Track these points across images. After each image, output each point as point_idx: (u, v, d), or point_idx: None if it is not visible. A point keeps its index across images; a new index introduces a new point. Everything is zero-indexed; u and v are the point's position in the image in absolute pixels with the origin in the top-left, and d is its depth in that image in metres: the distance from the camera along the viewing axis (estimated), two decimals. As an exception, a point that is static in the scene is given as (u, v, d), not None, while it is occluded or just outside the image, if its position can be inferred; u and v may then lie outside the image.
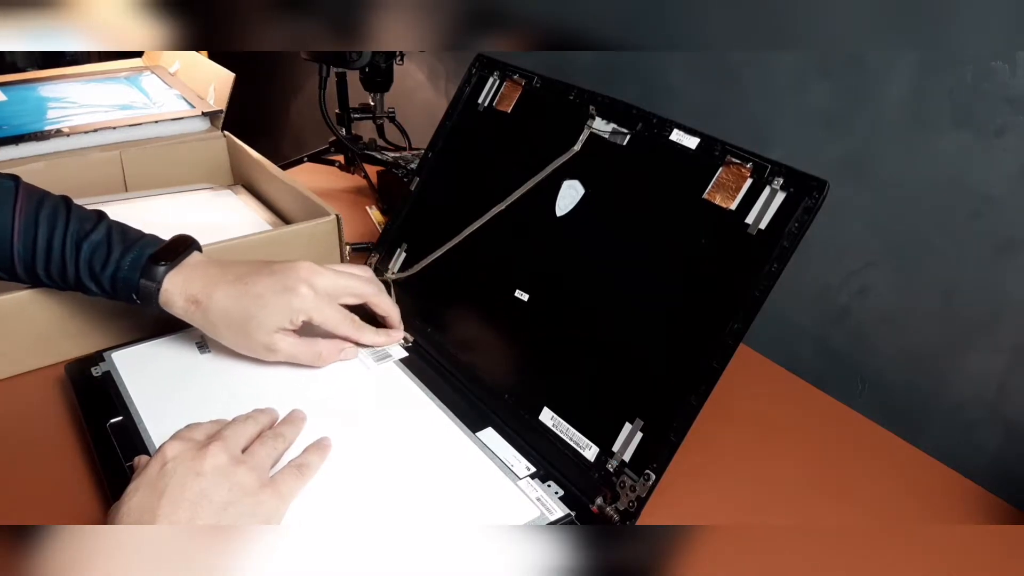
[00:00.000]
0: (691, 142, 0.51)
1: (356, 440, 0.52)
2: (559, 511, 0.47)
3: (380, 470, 0.50)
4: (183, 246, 0.57)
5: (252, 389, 0.56)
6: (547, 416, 0.53)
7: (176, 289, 0.55)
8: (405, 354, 0.61)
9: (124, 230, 0.57)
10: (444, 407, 0.55)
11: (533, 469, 0.50)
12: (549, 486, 0.49)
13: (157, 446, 0.50)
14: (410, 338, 0.63)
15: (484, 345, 0.60)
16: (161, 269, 0.55)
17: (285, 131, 1.77)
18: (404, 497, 0.47)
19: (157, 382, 0.57)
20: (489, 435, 0.53)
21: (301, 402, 0.54)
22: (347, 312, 0.59)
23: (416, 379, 0.58)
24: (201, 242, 0.67)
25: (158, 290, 0.55)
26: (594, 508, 0.48)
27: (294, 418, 0.52)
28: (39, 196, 0.56)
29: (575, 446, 0.51)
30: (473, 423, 0.54)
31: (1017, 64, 0.53)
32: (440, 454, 0.51)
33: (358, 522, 0.45)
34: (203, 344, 0.61)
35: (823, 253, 0.68)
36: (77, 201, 0.59)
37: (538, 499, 0.48)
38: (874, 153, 0.63)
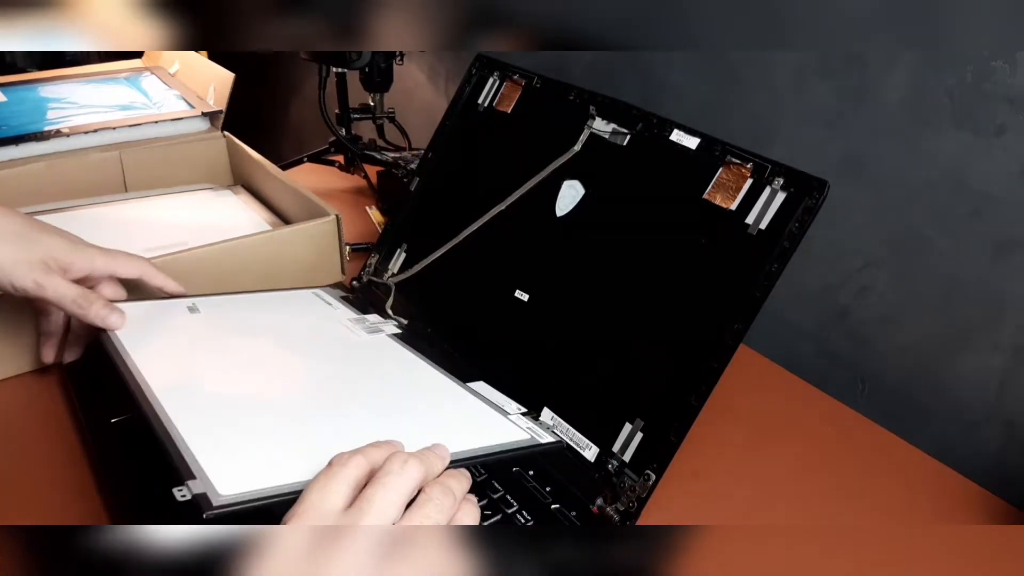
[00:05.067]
0: (691, 142, 0.51)
1: (347, 386, 0.52)
2: (549, 437, 0.50)
3: (372, 410, 0.49)
4: None
5: (245, 347, 0.55)
6: (547, 416, 0.53)
7: None
8: (398, 331, 0.63)
9: None
10: (434, 363, 0.57)
11: (524, 409, 0.53)
12: (540, 423, 0.52)
13: (160, 399, 0.45)
14: (404, 321, 0.64)
15: (484, 345, 0.60)
16: None
17: (285, 131, 1.77)
18: (397, 435, 0.46)
19: (151, 337, 0.55)
20: (480, 385, 0.55)
21: (294, 359, 0.55)
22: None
23: (406, 345, 0.60)
24: (201, 242, 0.67)
25: None
26: (594, 508, 0.48)
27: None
28: None
29: (575, 446, 0.51)
30: (464, 377, 0.56)
31: (1017, 64, 0.53)
32: (432, 397, 0.53)
33: None
34: (194, 308, 0.60)
35: (823, 253, 0.68)
36: (77, 201, 0.59)
37: (528, 427, 0.50)
38: (874, 153, 0.63)
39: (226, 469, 0.37)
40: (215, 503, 0.35)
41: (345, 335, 0.60)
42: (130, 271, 0.58)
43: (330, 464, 0.36)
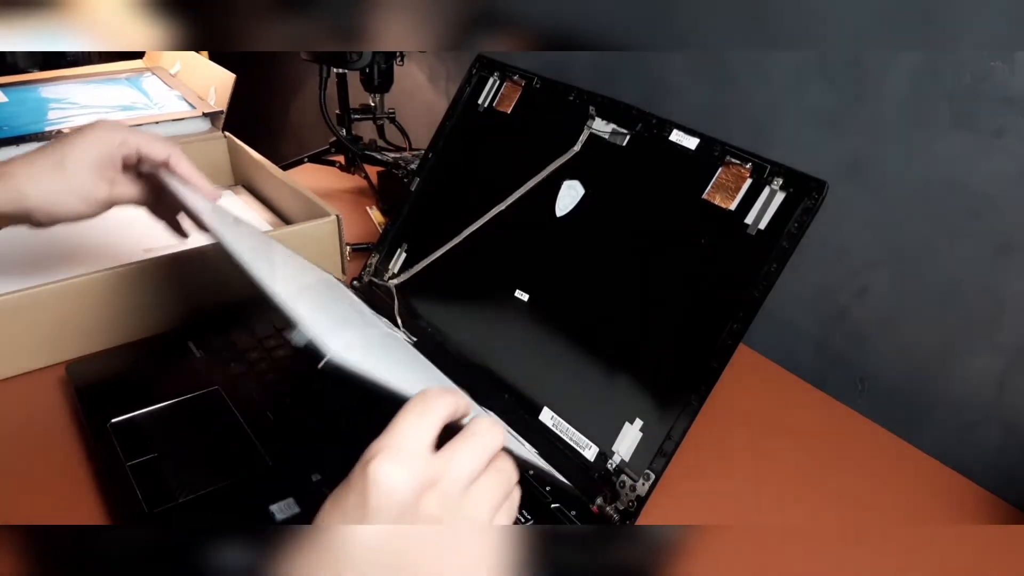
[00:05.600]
0: (691, 142, 0.51)
1: (391, 344, 0.51)
2: (565, 480, 0.48)
3: (422, 371, 0.48)
4: None
5: (294, 267, 0.52)
6: (547, 416, 0.53)
7: None
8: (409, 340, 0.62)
9: None
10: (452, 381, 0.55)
11: (536, 451, 0.51)
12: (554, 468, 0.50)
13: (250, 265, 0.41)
14: (414, 338, 0.63)
15: (484, 345, 0.60)
16: None
17: (285, 132, 1.78)
18: None
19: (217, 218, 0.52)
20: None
21: (338, 301, 0.52)
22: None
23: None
24: (201, 242, 0.67)
25: None
26: (594, 508, 0.48)
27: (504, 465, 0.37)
28: None
29: (575, 446, 0.51)
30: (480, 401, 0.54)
31: (1016, 64, 0.53)
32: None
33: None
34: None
35: (823, 253, 0.68)
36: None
37: (547, 465, 0.48)
38: (874, 153, 0.63)
39: (329, 338, 0.35)
40: (329, 356, 0.33)
41: (371, 317, 0.59)
42: (158, 151, 0.58)
43: (424, 396, 0.35)
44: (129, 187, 0.56)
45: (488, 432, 0.35)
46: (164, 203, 0.61)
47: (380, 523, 0.31)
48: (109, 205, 0.56)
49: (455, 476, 0.33)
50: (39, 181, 0.53)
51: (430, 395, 0.34)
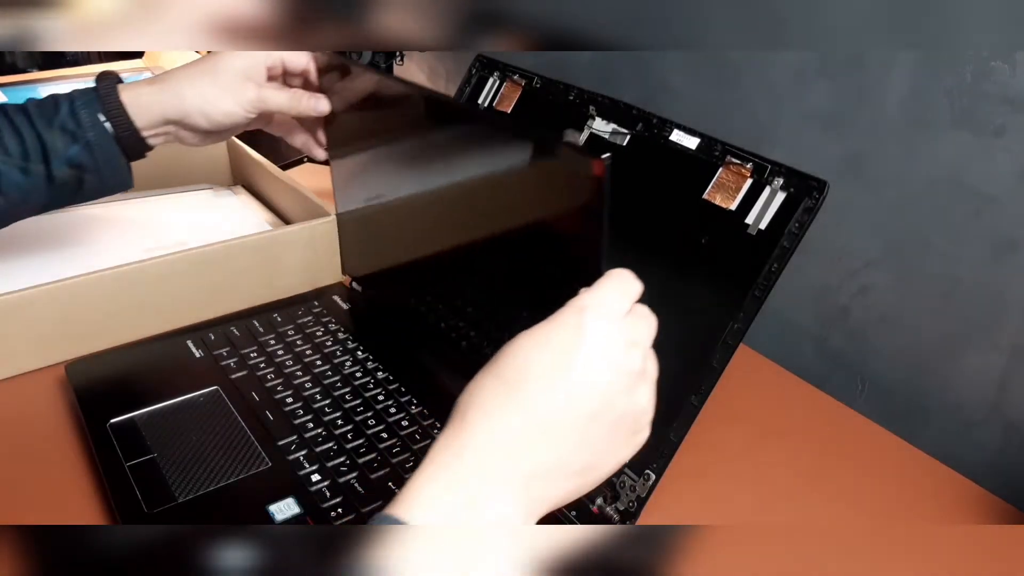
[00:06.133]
0: (691, 142, 0.51)
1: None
2: None
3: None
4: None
5: None
6: (547, 416, 0.53)
7: (127, 87, 0.58)
8: None
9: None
10: None
11: None
12: None
13: None
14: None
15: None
16: (109, 82, 0.58)
17: (285, 131, 1.77)
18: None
19: None
20: None
21: None
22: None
23: None
24: (201, 242, 0.67)
25: (116, 86, 0.58)
26: (594, 508, 0.48)
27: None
28: None
29: (575, 446, 0.51)
30: None
31: (1017, 64, 0.53)
32: None
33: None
34: None
35: (823, 253, 0.68)
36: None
37: None
38: (874, 153, 0.63)
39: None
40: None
41: None
42: (298, 61, 0.62)
43: (625, 272, 0.38)
44: (275, 93, 0.60)
45: (651, 317, 0.38)
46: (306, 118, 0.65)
47: (586, 371, 0.34)
48: (258, 107, 0.59)
49: (645, 340, 0.37)
50: (194, 83, 0.58)
51: (628, 274, 0.38)
